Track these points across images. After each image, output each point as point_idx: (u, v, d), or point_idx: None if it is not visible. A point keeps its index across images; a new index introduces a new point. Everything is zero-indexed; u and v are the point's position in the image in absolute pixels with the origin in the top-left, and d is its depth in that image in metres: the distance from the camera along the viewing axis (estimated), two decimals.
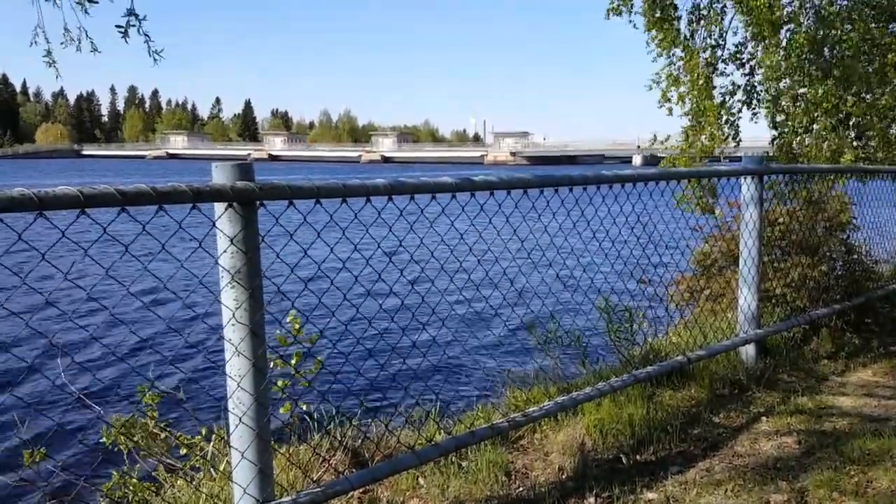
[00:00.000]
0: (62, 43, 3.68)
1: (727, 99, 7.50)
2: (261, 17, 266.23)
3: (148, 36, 3.71)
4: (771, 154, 7.45)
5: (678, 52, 7.35)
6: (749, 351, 4.41)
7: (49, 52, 3.75)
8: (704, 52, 7.39)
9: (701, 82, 7.19)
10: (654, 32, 7.32)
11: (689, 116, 7.41)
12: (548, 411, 3.15)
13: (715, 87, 7.51)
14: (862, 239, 5.89)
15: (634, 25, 7.50)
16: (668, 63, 7.40)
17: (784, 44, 6.83)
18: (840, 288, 5.35)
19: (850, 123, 7.20)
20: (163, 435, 2.95)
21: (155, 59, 3.88)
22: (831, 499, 2.82)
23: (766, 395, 3.99)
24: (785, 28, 6.94)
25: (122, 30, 3.58)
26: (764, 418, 3.68)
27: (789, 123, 7.13)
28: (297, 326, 2.95)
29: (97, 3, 3.57)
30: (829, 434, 3.46)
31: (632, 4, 7.36)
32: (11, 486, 3.05)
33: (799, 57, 6.80)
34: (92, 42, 3.76)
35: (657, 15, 7.21)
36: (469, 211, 2.64)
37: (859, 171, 6.40)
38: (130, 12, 3.58)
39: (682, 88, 7.33)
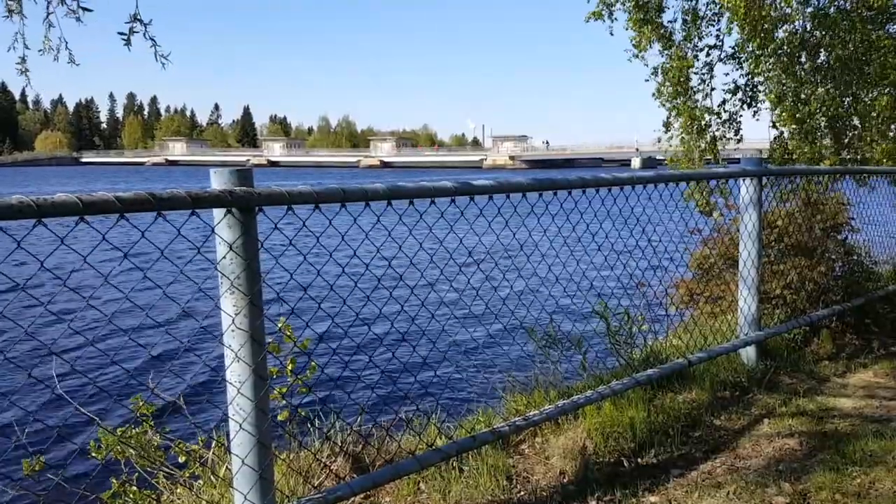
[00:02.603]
0: (40, 51, 3.65)
1: (728, 98, 7.52)
2: (259, 19, 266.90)
3: (154, 41, 3.62)
4: (766, 155, 7.48)
5: (668, 52, 7.37)
6: (749, 353, 4.41)
7: (23, 60, 3.72)
8: (701, 52, 7.42)
9: (681, 82, 7.21)
10: (636, 34, 7.33)
11: (676, 115, 7.45)
12: (549, 415, 3.14)
13: (714, 88, 7.54)
14: (862, 240, 5.89)
15: (611, 33, 7.52)
16: (661, 62, 7.43)
17: (775, 45, 6.85)
18: (840, 289, 5.34)
19: (839, 126, 7.21)
20: (161, 443, 2.94)
21: (163, 64, 3.79)
22: (833, 500, 2.81)
23: (767, 397, 3.98)
24: (780, 29, 6.97)
25: (126, 36, 3.52)
26: (765, 420, 3.68)
27: (780, 124, 7.16)
28: (288, 332, 2.94)
29: (91, 10, 3.55)
30: (830, 435, 3.45)
31: (612, 11, 7.37)
32: (12, 494, 3.04)
33: (791, 57, 6.83)
34: (70, 53, 3.75)
35: (642, 16, 7.22)
36: (468, 215, 2.64)
37: (858, 173, 6.40)
38: (135, 17, 3.52)
39: (669, 88, 7.37)
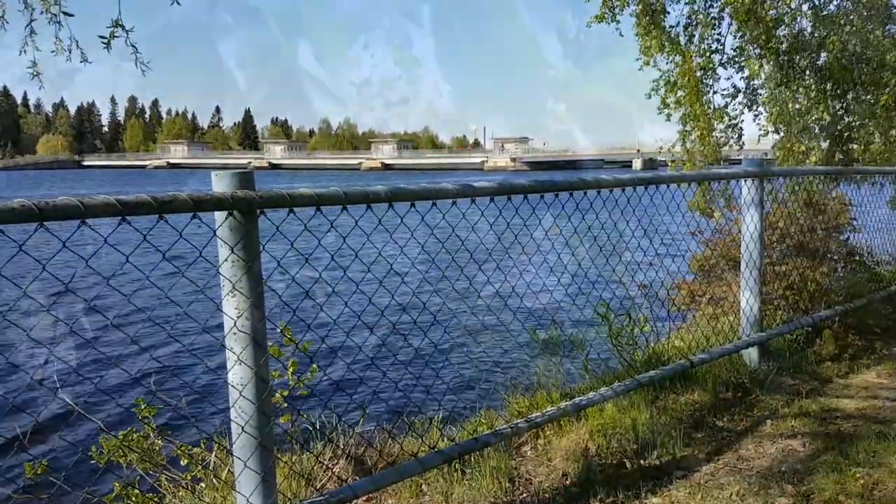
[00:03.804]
0: (53, 51, 3.69)
1: (728, 102, 7.51)
2: (259, 19, 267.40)
3: (135, 47, 3.71)
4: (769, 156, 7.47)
5: (676, 58, 7.35)
6: (752, 354, 4.41)
7: (34, 63, 3.76)
8: (701, 56, 7.40)
9: (693, 85, 7.20)
10: (643, 39, 7.32)
11: (684, 122, 7.42)
12: (551, 417, 3.14)
13: (717, 92, 7.53)
14: (864, 241, 5.88)
15: (621, 33, 7.51)
16: (666, 70, 7.40)
17: (773, 45, 6.84)
18: (842, 290, 5.34)
19: (832, 126, 7.19)
20: (163, 445, 2.94)
21: (143, 71, 3.89)
22: (837, 502, 2.81)
23: (769, 398, 3.98)
24: (779, 29, 6.96)
25: (106, 40, 3.59)
26: (768, 421, 3.67)
27: (770, 123, 7.15)
28: (289, 335, 2.94)
29: (73, 16, 3.59)
30: (833, 436, 3.45)
31: (615, 14, 7.35)
32: (15, 498, 3.04)
33: (789, 56, 6.82)
34: (82, 52, 3.78)
35: (649, 18, 7.20)
36: (470, 217, 2.64)
37: (859, 173, 6.40)
38: (116, 23, 3.58)
39: (679, 93, 7.34)
